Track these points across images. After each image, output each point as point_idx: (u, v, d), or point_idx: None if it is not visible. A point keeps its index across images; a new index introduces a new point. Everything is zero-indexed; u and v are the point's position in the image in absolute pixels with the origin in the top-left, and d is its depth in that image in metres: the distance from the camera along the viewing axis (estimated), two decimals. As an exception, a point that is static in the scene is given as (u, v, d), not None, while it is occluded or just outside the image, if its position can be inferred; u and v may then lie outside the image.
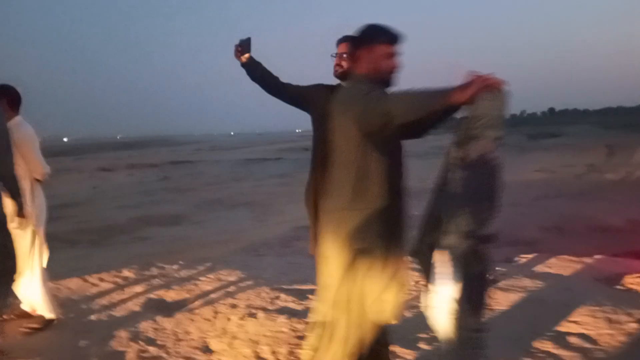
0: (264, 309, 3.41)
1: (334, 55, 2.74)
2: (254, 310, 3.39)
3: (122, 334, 3.05)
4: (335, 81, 2.74)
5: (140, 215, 11.22)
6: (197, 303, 3.60)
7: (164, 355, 2.79)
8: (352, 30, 2.19)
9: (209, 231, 10.17)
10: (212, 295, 3.76)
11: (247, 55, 2.76)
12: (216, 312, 3.40)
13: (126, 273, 4.30)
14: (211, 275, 4.24)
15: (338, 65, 2.72)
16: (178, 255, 5.34)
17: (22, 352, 2.77)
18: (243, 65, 2.80)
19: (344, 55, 2.71)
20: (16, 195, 2.75)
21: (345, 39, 2.73)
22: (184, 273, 4.36)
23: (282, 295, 3.70)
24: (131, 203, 13.24)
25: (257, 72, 2.83)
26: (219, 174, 22.76)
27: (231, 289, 3.91)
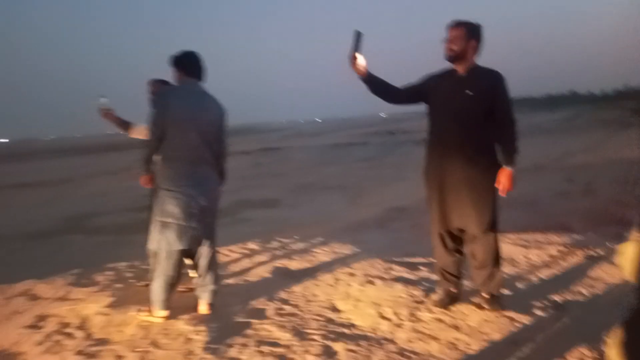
0: (380, 278, 3.73)
1: (445, 39, 2.94)
2: (371, 278, 3.71)
3: (260, 294, 3.49)
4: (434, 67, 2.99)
5: (239, 199, 11.96)
6: (318, 271, 3.98)
7: (299, 312, 3.19)
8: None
9: (305, 213, 10.66)
10: (330, 265, 4.13)
11: (363, 66, 2.93)
12: (337, 279, 3.76)
13: (251, 245, 4.81)
14: (326, 248, 4.63)
15: (450, 48, 2.93)
16: (285, 233, 5.78)
17: (183, 310, 3.26)
18: (362, 80, 3.01)
19: (456, 39, 2.92)
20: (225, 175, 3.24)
21: (458, 24, 2.93)
22: (300, 246, 4.79)
23: (395, 267, 3.99)
24: (230, 188, 14.07)
25: (380, 87, 3.04)
26: (307, 159, 23.39)
27: (346, 260, 4.26)
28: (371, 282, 3.63)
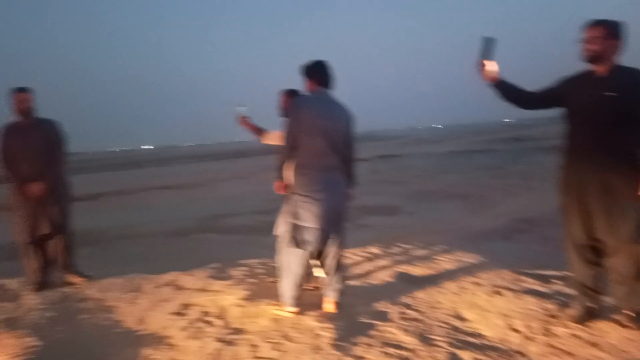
0: (509, 289, 3.58)
1: (581, 39, 2.77)
2: (498, 289, 3.58)
3: (382, 297, 3.54)
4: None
5: (358, 205, 12.12)
6: (442, 278, 3.93)
7: (423, 318, 3.19)
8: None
9: (425, 221, 10.48)
10: (455, 273, 4.06)
11: (494, 72, 2.84)
12: (462, 288, 3.69)
13: (372, 249, 4.88)
14: (449, 256, 4.55)
15: (588, 49, 2.75)
16: (406, 240, 5.75)
17: (311, 307, 3.42)
18: (493, 86, 2.93)
19: (594, 39, 2.74)
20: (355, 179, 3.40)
21: (596, 23, 2.75)
22: (423, 252, 4.76)
23: (525, 278, 3.81)
24: (349, 194, 14.29)
25: (512, 92, 2.94)
26: (426, 166, 22.97)
27: (471, 269, 4.16)
28: (499, 293, 3.50)
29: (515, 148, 26.80)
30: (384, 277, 4.08)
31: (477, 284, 3.76)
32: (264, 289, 3.92)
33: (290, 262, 3.27)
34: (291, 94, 3.96)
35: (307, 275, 3.37)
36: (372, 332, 2.99)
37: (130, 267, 4.88)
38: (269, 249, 5.57)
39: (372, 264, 4.45)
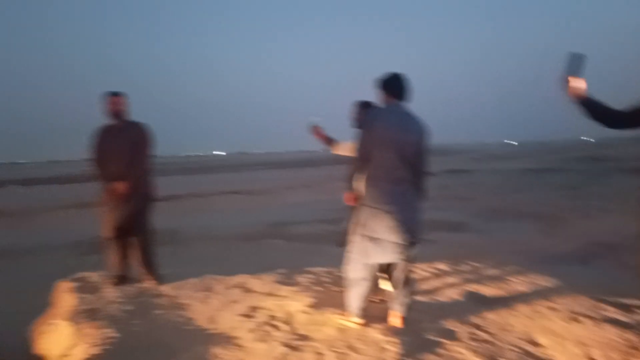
0: (587, 316, 3.39)
1: None
2: (576, 315, 3.40)
3: (451, 315, 3.46)
4: None
5: (425, 219, 11.91)
6: (514, 300, 3.79)
7: (493, 340, 3.08)
8: None
9: (494, 240, 10.14)
10: (528, 296, 3.89)
11: (582, 89, 2.69)
12: (536, 312, 3.53)
13: (440, 266, 4.78)
14: (522, 277, 4.37)
15: None
16: (476, 258, 5.57)
17: (377, 319, 3.40)
18: (579, 104, 2.76)
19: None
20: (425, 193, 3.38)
21: None
22: (494, 272, 4.61)
23: (605, 306, 3.59)
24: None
25: (599, 110, 2.75)
26: (498, 183, 22.22)
27: (546, 292, 3.97)
28: (576, 320, 3.32)
29: (593, 168, 25.38)
30: (452, 294, 3.98)
31: (553, 308, 3.59)
32: (329, 298, 3.95)
33: (358, 272, 3.26)
34: (365, 105, 3.99)
35: (374, 287, 3.35)
36: (440, 351, 2.93)
37: (202, 268, 5.07)
38: (334, 258, 5.60)
39: (439, 281, 4.35)
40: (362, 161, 3.28)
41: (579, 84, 2.72)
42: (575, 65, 2.68)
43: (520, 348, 2.95)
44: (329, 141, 4.24)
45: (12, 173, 44.77)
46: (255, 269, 4.96)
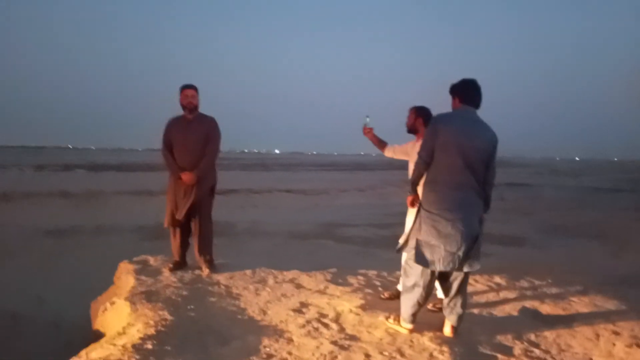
0: (654, 344, 3.18)
1: None
2: (641, 342, 3.21)
3: (506, 331, 3.35)
4: None
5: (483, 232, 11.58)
6: (574, 321, 3.62)
7: (550, 359, 2.95)
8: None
9: (555, 257, 9.75)
10: (590, 318, 3.70)
11: None
12: (597, 334, 3.36)
13: (497, 279, 4.63)
14: (585, 298, 4.17)
15: None
16: (536, 274, 5.36)
17: (428, 327, 3.35)
18: None
19: None
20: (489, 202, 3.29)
21: None
22: (554, 290, 4.41)
23: (674, 335, 3.36)
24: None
25: None
26: (561, 199, 21.36)
27: (609, 315, 3.76)
28: (641, 346, 3.13)
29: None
30: (509, 309, 3.84)
31: (616, 332, 3.39)
32: (380, 301, 3.92)
33: (414, 279, 3.19)
34: (420, 110, 3.92)
35: (431, 294, 3.27)
36: (492, 365, 2.84)
37: (255, 261, 5.16)
38: (384, 263, 5.56)
39: (496, 295, 4.21)
40: (424, 164, 3.22)
41: None
42: None
43: (579, 370, 2.82)
44: (380, 143, 4.22)
45: (80, 158, 47.28)
46: (306, 267, 4.99)
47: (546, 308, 3.93)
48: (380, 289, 4.28)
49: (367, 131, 4.16)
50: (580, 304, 4.03)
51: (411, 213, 3.61)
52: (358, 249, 10.22)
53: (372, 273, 4.81)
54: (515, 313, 3.78)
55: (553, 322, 3.62)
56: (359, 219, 14.84)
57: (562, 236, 12.54)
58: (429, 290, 3.19)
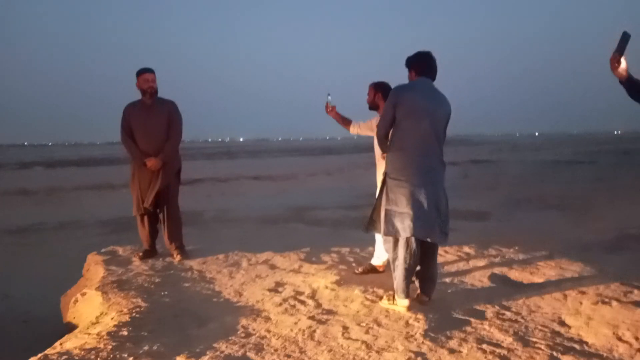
0: (617, 300, 3.33)
1: None
2: (606, 299, 3.35)
3: (478, 297, 3.44)
4: None
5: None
6: (543, 284, 3.75)
7: (521, 320, 3.05)
8: None
9: (519, 229, 10.01)
10: (557, 280, 3.84)
11: (624, 69, 2.62)
12: (565, 295, 3.48)
13: (466, 249, 4.74)
14: (551, 263, 4.31)
15: None
16: (503, 243, 5.49)
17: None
18: (623, 83, 2.67)
19: None
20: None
21: None
22: (521, 257, 4.55)
23: (636, 291, 3.52)
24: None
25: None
26: (523, 174, 21.92)
27: (576, 277, 3.91)
28: (606, 303, 3.27)
29: (624, 161, 24.85)
30: (479, 277, 3.94)
31: (582, 292, 3.53)
32: (355, 276, 3.96)
33: (395, 251, 3.19)
34: (378, 86, 3.96)
35: (417, 263, 3.21)
36: (467, 328, 2.91)
37: (226, 247, 5.12)
38: (355, 242, 5.60)
39: (466, 264, 4.31)
40: (383, 137, 3.27)
41: (623, 63, 2.64)
42: (623, 44, 2.60)
43: (548, 328, 2.92)
44: (344, 121, 4.24)
45: (37, 155, 45.73)
46: (278, 250, 4.99)
47: (515, 274, 4.05)
48: (353, 264, 4.33)
49: (330, 109, 4.17)
50: (546, 268, 4.17)
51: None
52: (328, 231, 10.26)
53: (345, 250, 4.86)
54: (485, 280, 3.88)
55: (522, 286, 3.75)
56: (328, 202, 14.88)
57: (525, 209, 12.87)
58: (414, 259, 3.16)
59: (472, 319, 3.06)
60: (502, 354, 2.56)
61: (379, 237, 3.98)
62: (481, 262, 4.35)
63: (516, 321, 3.04)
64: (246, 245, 6.01)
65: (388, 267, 4.03)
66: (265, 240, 8.54)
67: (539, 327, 2.93)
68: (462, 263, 4.34)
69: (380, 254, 4.03)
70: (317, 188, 19.06)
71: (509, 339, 2.75)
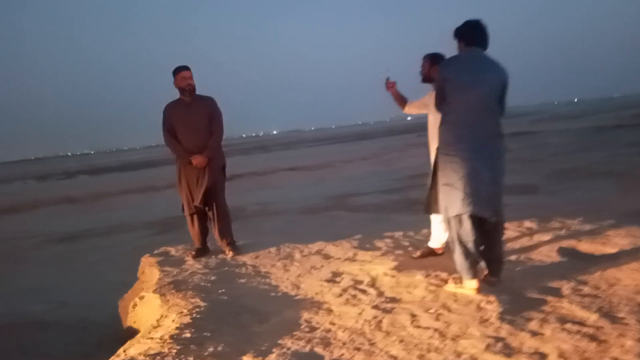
0: None
1: None
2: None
3: (549, 273, 3.24)
4: None
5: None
6: (617, 254, 3.51)
7: (602, 294, 2.85)
8: None
9: (570, 200, 9.61)
10: (633, 249, 3.59)
11: None
12: (644, 265, 3.24)
13: (527, 224, 4.52)
14: (621, 231, 4.04)
15: None
16: (566, 214, 5.21)
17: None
18: None
19: None
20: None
21: None
22: (587, 227, 4.30)
23: None
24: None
25: None
26: (566, 143, 21.16)
27: (651, 245, 3.65)
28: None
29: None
30: (546, 252, 3.72)
31: (663, 261, 3.28)
32: (413, 261, 3.82)
33: (454, 230, 3.03)
34: (434, 57, 3.79)
35: (478, 242, 3.01)
36: (544, 308, 2.73)
37: (273, 240, 5.06)
38: (403, 225, 5.44)
39: (530, 239, 4.09)
40: (439, 107, 3.12)
41: None
42: None
43: (634, 301, 2.70)
44: (401, 99, 4.09)
45: (81, 163, 47.16)
46: (324, 239, 4.89)
47: (584, 246, 3.82)
48: (410, 249, 4.18)
49: (390, 85, 4.03)
50: (617, 237, 3.90)
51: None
52: (372, 216, 10.11)
53: (398, 234, 4.70)
54: (554, 254, 3.67)
55: (594, 258, 3.52)
56: (367, 188, 14.70)
57: (573, 179, 12.38)
58: (472, 237, 2.98)
59: (548, 297, 2.87)
60: (589, 333, 2.37)
61: (435, 218, 3.81)
62: (546, 237, 4.12)
63: (597, 296, 2.83)
64: (292, 236, 5.93)
65: (448, 248, 3.88)
66: (311, 230, 8.47)
67: (623, 302, 2.72)
68: (526, 239, 4.11)
69: (438, 236, 3.87)
70: (354, 174, 18.89)
71: (594, 316, 2.56)
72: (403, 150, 24.63)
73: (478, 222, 3.04)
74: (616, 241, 3.82)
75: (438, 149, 3.14)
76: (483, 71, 3.05)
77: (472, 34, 3.12)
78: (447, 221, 3.08)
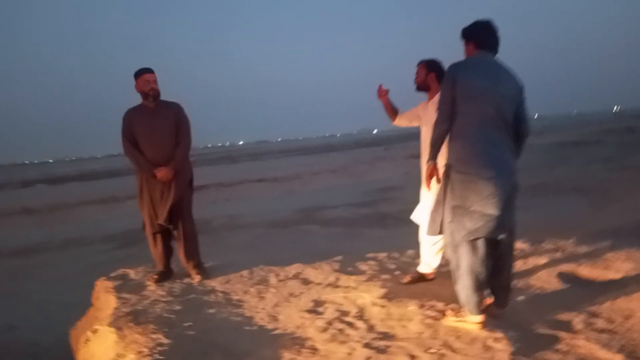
0: None
1: None
2: None
3: (554, 303, 2.96)
4: None
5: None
6: (622, 281, 3.26)
7: (619, 329, 2.58)
8: None
9: (542, 216, 9.52)
10: (636, 274, 3.34)
11: None
12: (655, 294, 2.98)
13: (519, 245, 4.21)
14: (621, 254, 3.79)
15: None
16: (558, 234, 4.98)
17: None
18: None
19: None
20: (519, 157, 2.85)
21: None
22: (585, 249, 4.04)
23: None
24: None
25: None
26: (531, 159, 21.40)
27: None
28: None
29: (630, 139, 24.34)
30: (545, 278, 3.43)
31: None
32: (402, 287, 3.46)
33: (464, 257, 2.67)
34: (431, 65, 3.51)
35: (488, 269, 2.69)
36: (560, 347, 2.42)
37: (244, 257, 4.65)
38: (376, 242, 5.13)
39: (525, 263, 3.79)
40: (446, 121, 2.75)
41: None
42: None
43: (658, 339, 2.43)
44: (392, 110, 3.79)
45: (39, 172, 45.26)
46: (298, 256, 4.53)
47: (585, 270, 3.55)
48: (397, 272, 3.82)
49: (383, 93, 3.71)
50: (618, 261, 3.63)
51: (425, 188, 3.16)
52: (344, 231, 9.78)
53: (382, 256, 4.33)
54: (554, 281, 3.38)
55: (599, 285, 3.26)
56: (337, 200, 14.40)
57: (541, 195, 12.39)
58: (485, 265, 2.65)
59: (560, 333, 2.57)
60: (619, 381, 2.07)
61: (426, 241, 3.48)
62: (541, 260, 3.83)
63: (614, 332, 2.55)
64: (263, 253, 5.51)
65: (439, 274, 3.56)
66: (282, 245, 8.07)
67: (645, 338, 2.44)
68: (520, 262, 3.80)
69: (428, 260, 3.53)
70: (323, 187, 18.57)
71: (618, 357, 2.26)
72: (371, 163, 24.50)
73: (492, 247, 2.71)
74: (618, 266, 3.57)
75: (448, 166, 2.76)
76: (499, 78, 2.72)
77: (483, 35, 2.81)
78: (454, 248, 2.72)
